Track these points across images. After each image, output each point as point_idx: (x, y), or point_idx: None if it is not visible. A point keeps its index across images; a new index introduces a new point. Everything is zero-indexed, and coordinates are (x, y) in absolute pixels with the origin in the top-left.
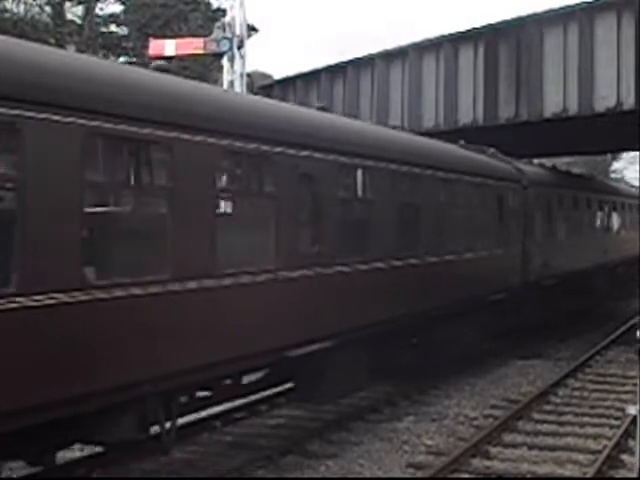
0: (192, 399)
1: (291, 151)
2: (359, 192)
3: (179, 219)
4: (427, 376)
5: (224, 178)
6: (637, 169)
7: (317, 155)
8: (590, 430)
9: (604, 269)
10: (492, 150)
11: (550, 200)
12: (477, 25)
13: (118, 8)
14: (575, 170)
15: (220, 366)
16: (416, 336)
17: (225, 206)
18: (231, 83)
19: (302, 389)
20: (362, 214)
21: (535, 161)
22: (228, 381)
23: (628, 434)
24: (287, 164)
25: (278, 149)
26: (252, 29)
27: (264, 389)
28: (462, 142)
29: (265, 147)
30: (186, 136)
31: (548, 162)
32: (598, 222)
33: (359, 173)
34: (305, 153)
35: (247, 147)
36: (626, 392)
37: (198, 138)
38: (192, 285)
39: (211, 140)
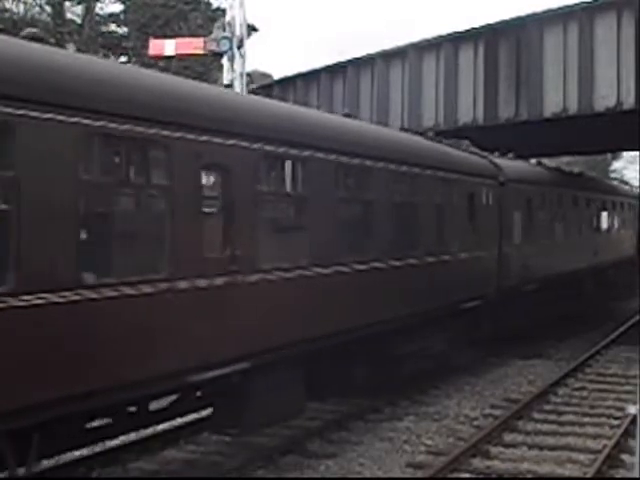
0: (80, 431)
1: (192, 136)
2: (288, 187)
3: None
4: (386, 392)
5: (90, 166)
6: (637, 169)
7: (231, 142)
8: (590, 430)
9: (594, 272)
10: (466, 143)
11: (532, 198)
12: (477, 25)
13: (118, 8)
14: (575, 169)
15: (105, 394)
16: (371, 350)
17: (94, 203)
18: (231, 83)
19: (220, 417)
20: (293, 212)
21: (533, 161)
22: (132, 408)
23: (628, 434)
24: (186, 152)
25: (177, 134)
26: (252, 29)
27: (178, 416)
28: (430, 134)
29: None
30: (35, 114)
31: (549, 162)
32: (587, 222)
33: (289, 165)
34: (215, 140)
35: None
36: (626, 392)
37: (47, 116)
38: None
39: (70, 120)
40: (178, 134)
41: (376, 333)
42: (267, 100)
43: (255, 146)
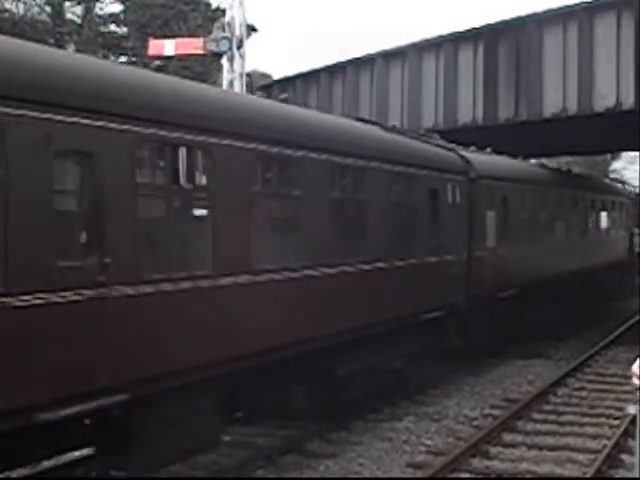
0: None
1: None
2: (182, 180)
3: None
4: (327, 417)
5: None
6: (637, 169)
7: (98, 124)
8: (590, 430)
9: (580, 275)
10: (435, 136)
11: (508, 196)
12: (477, 25)
13: (118, 8)
14: (575, 170)
15: None
16: (309, 370)
17: None
18: (231, 83)
19: (103, 455)
20: (190, 209)
21: (533, 161)
22: None
23: (628, 434)
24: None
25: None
26: (251, 29)
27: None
28: (394, 125)
29: None
30: None
31: (549, 162)
32: (574, 222)
33: (183, 153)
34: (71, 119)
35: None
36: (625, 392)
37: None
38: None
39: None
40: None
41: (314, 350)
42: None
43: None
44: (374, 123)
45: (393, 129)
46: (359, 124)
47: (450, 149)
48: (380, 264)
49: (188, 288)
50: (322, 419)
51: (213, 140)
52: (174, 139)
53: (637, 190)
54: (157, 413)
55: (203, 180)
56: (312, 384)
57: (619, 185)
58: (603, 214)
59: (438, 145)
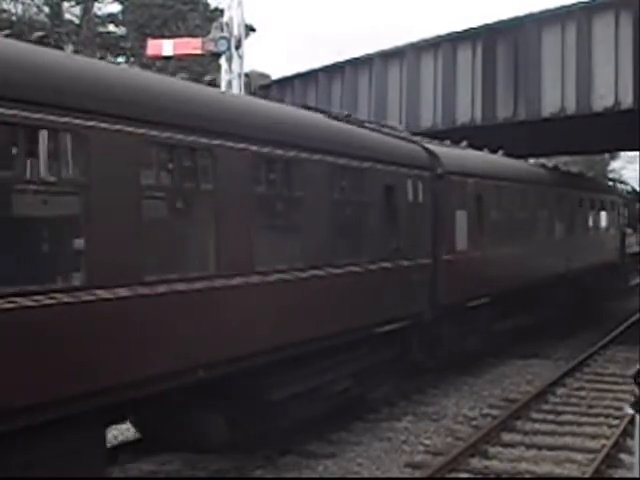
0: None
1: None
2: (61, 171)
3: None
4: (259, 448)
5: None
6: (636, 168)
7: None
8: (588, 429)
9: (568, 278)
10: (401, 127)
11: (482, 194)
12: (475, 25)
13: (116, 8)
14: (574, 170)
15: None
16: (234, 394)
17: None
18: (229, 83)
19: None
20: (76, 205)
21: (531, 160)
22: None
23: (627, 433)
24: None
25: None
26: (250, 29)
27: None
28: (346, 114)
29: None
30: None
31: (548, 162)
32: (558, 222)
33: (49, 137)
34: None
35: None
36: (624, 391)
37: None
38: None
39: None
40: None
41: (241, 371)
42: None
43: None
44: (321, 111)
45: (343, 117)
46: (289, 108)
47: (414, 142)
48: (320, 271)
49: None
50: (246, 451)
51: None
52: (41, 123)
53: (629, 188)
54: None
55: (67, 172)
56: (238, 411)
57: (610, 183)
58: (592, 213)
59: (400, 137)
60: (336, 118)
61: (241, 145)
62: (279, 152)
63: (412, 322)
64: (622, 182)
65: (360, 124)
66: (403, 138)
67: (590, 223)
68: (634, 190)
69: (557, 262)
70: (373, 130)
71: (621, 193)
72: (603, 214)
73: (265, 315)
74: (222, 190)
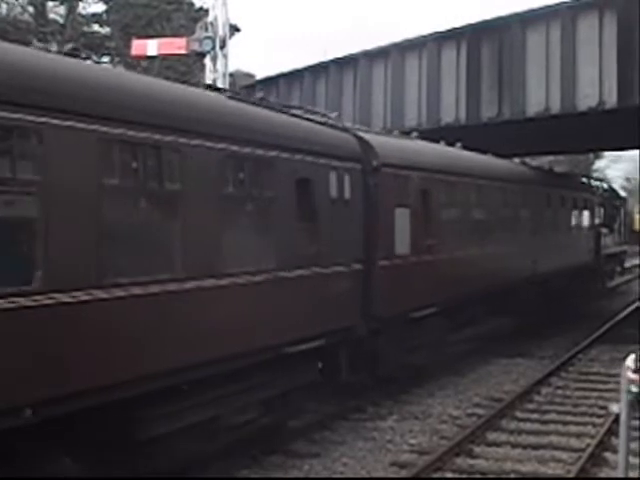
0: None
1: None
2: None
3: None
4: None
5: None
6: (619, 168)
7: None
8: (573, 428)
9: (535, 282)
10: (335, 115)
11: (430, 191)
12: (460, 25)
13: (101, 8)
14: (557, 169)
15: None
16: (99, 431)
17: None
18: (214, 82)
19: None
20: None
21: (516, 160)
22: None
23: (611, 432)
24: None
25: None
26: (234, 29)
27: None
28: (259, 95)
29: None
30: None
31: (532, 162)
32: (523, 222)
33: None
34: None
35: None
36: (609, 390)
37: None
38: None
39: None
40: None
41: (107, 404)
42: None
43: None
44: (223, 90)
45: (247, 99)
46: (176, 87)
47: (344, 129)
48: (202, 282)
49: None
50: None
51: None
52: None
53: (606, 186)
54: None
55: None
56: (104, 453)
57: (584, 180)
58: (562, 212)
59: (326, 124)
60: (237, 99)
61: (82, 125)
62: (143, 135)
63: (338, 338)
64: (599, 180)
65: (276, 108)
66: (330, 125)
67: (560, 223)
68: (611, 188)
69: (522, 265)
70: (291, 115)
71: (596, 191)
72: (575, 213)
73: (128, 339)
74: (54, 184)
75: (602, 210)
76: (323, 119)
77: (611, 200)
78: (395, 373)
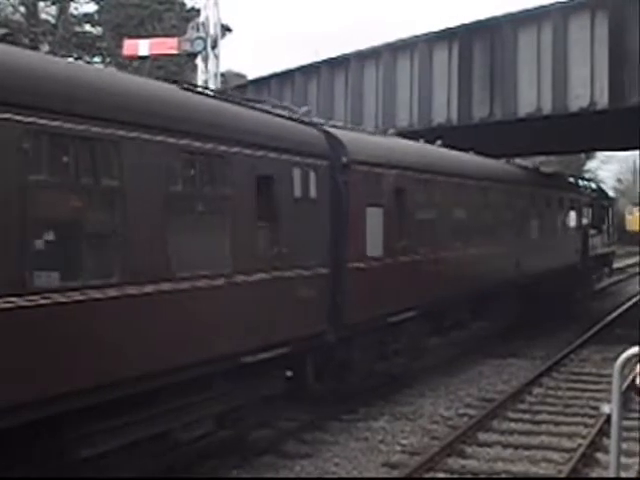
0: None
1: None
2: None
3: None
4: None
5: None
6: (611, 168)
7: None
8: (565, 429)
9: (518, 286)
10: (305, 109)
11: (405, 189)
12: (451, 25)
13: (92, 8)
14: (548, 170)
15: None
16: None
17: None
18: (205, 83)
19: None
20: None
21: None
22: None
23: (603, 433)
24: None
25: None
26: (226, 29)
27: None
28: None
29: None
30: None
31: (524, 162)
32: (505, 223)
33: None
34: None
35: None
36: (600, 391)
37: None
38: None
39: None
40: None
41: (36, 420)
42: None
43: None
44: (176, 82)
45: (204, 91)
46: (118, 74)
47: (312, 124)
48: (148, 288)
49: None
50: None
51: None
52: None
53: (594, 186)
54: None
55: None
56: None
57: (571, 180)
58: (548, 212)
59: (292, 118)
60: (193, 90)
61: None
62: (80, 128)
63: (304, 346)
64: (587, 179)
65: (236, 101)
66: (296, 120)
67: (546, 223)
68: (599, 188)
69: (505, 266)
70: (253, 109)
71: (584, 191)
72: (562, 213)
73: (60, 349)
74: None
75: (590, 210)
76: (289, 113)
77: (599, 200)
78: (370, 381)
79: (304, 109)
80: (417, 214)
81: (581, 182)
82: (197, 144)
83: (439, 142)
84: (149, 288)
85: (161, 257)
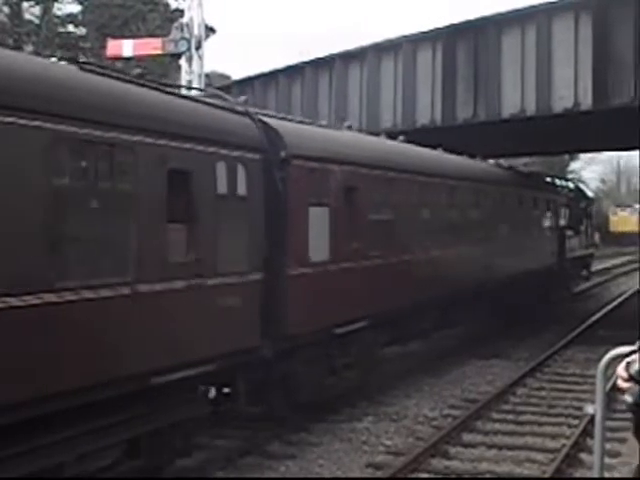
0: None
1: None
2: None
3: None
4: None
5: None
6: (594, 169)
7: None
8: (549, 429)
9: (487, 291)
10: (243, 98)
11: (357, 188)
12: (435, 26)
13: (76, 8)
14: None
15: None
16: None
17: None
18: (189, 83)
19: None
20: None
21: (491, 161)
22: None
23: (586, 433)
24: None
25: None
26: (210, 30)
27: None
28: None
29: None
30: None
31: (506, 163)
32: (473, 224)
33: None
34: None
35: None
36: (584, 391)
37: None
38: None
39: None
40: None
41: None
42: None
43: None
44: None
45: (109, 72)
46: None
47: (244, 113)
48: (9, 300)
49: None
50: None
51: None
52: None
53: (572, 185)
54: None
55: None
56: None
57: (548, 179)
58: (520, 213)
59: (219, 106)
60: (96, 71)
61: None
62: None
63: (233, 363)
64: (565, 179)
65: (148, 85)
66: (226, 108)
67: (518, 224)
68: (578, 188)
69: (473, 270)
70: (169, 94)
71: (561, 191)
72: (536, 214)
73: None
74: None
75: (567, 211)
76: (223, 103)
77: (577, 200)
78: (315, 398)
79: (242, 98)
80: (372, 215)
81: (558, 181)
82: (87, 131)
83: (401, 137)
84: (17, 301)
85: (37, 264)
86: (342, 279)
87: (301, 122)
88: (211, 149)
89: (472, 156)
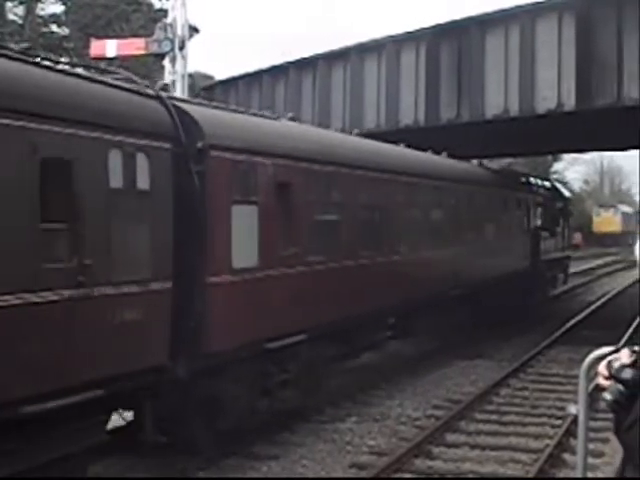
0: None
1: None
2: None
3: None
4: None
5: None
6: (577, 170)
7: None
8: (532, 429)
9: (454, 297)
10: (160, 84)
11: (292, 185)
12: (419, 27)
13: (59, 8)
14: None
15: None
16: None
17: None
18: (173, 83)
19: None
20: None
21: (474, 161)
22: None
23: (570, 433)
24: None
25: None
26: (194, 30)
27: None
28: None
29: None
30: None
31: (490, 163)
32: (435, 225)
33: None
34: None
35: None
36: (567, 392)
37: None
38: None
39: None
40: None
41: None
42: None
43: None
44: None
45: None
46: None
47: (153, 97)
48: None
49: None
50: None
51: None
52: None
53: (548, 185)
54: None
55: None
56: None
57: (521, 177)
58: (489, 214)
59: (125, 88)
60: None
61: None
62: None
63: (132, 386)
64: (541, 178)
65: (26, 60)
66: (131, 90)
67: (487, 225)
68: (554, 187)
69: (438, 275)
70: (52, 70)
71: (535, 190)
72: (507, 214)
73: None
74: None
75: (542, 211)
76: (132, 85)
77: (554, 200)
78: (242, 423)
79: (160, 83)
80: (313, 215)
81: (533, 180)
82: None
83: (356, 131)
84: None
85: None
86: (275, 288)
87: (226, 109)
88: (101, 135)
89: (437, 152)
